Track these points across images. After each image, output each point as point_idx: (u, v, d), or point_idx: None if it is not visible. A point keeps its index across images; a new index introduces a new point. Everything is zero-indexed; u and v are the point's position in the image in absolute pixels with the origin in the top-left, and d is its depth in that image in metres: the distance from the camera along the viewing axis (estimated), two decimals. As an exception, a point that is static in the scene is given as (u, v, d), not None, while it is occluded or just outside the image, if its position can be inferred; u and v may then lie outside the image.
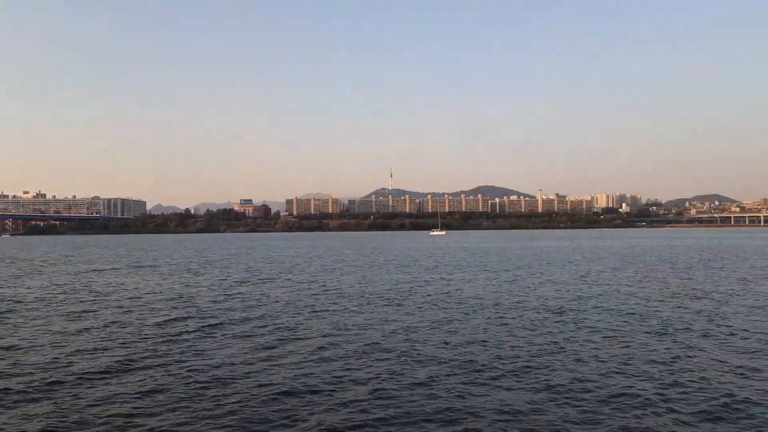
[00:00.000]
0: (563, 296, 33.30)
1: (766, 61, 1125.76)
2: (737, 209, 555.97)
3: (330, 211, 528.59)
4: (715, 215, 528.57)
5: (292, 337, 21.70)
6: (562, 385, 14.96)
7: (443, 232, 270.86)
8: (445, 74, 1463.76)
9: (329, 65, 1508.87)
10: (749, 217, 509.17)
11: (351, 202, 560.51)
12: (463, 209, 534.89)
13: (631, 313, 26.51)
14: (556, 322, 24.50)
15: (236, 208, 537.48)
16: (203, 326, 24.16)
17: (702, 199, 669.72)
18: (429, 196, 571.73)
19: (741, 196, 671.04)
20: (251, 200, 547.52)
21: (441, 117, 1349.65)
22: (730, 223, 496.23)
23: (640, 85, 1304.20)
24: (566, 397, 13.96)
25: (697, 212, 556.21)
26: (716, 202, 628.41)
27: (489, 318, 25.66)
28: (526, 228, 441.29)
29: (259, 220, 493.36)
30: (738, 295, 33.28)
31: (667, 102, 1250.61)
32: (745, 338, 20.59)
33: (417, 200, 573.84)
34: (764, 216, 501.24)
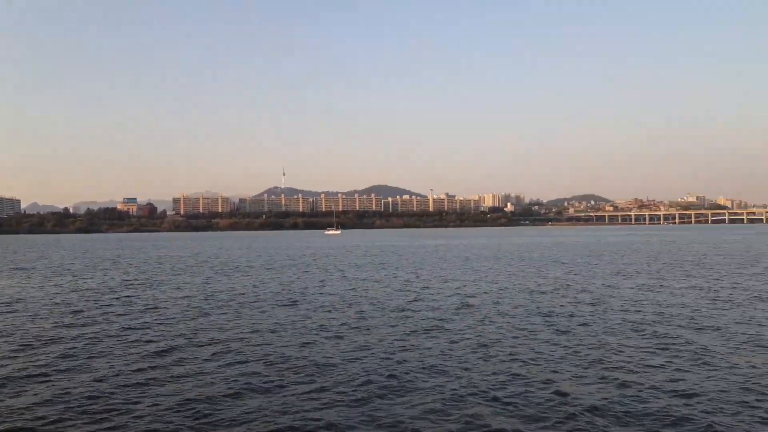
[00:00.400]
0: (461, 293, 34.10)
1: (613, 65, 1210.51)
2: (611, 208, 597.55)
3: (220, 210, 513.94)
4: (591, 214, 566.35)
5: (186, 343, 20.74)
6: (471, 380, 15.30)
7: (339, 231, 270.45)
8: (332, 68, 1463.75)
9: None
10: (621, 215, 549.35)
11: (242, 201, 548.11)
12: (357, 208, 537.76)
13: (527, 308, 27.59)
14: (457, 318, 25.02)
15: (119, 207, 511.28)
16: (88, 333, 22.73)
17: (579, 199, 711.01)
18: (323, 195, 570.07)
19: (614, 196, 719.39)
20: (135, 199, 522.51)
21: (333, 117, 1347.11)
22: (605, 221, 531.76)
23: (520, 87, 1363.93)
24: (476, 393, 14.28)
25: (575, 211, 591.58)
26: (592, 202, 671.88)
27: (389, 317, 25.81)
28: (418, 227, 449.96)
29: (144, 219, 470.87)
30: (618, 287, 35.44)
31: (548, 106, 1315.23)
32: (635, 330, 21.93)
33: (310, 199, 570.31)
34: (634, 215, 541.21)
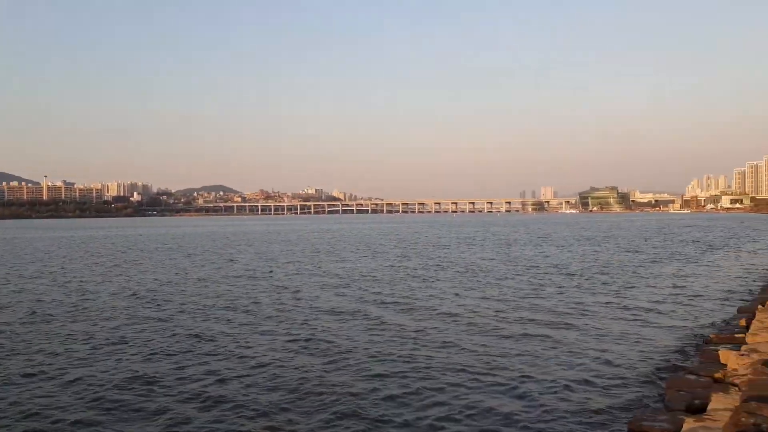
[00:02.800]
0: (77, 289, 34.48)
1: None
2: (239, 199, 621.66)
3: None
4: (221, 204, 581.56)
5: None
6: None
7: None
8: None
9: None
10: (249, 206, 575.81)
11: None
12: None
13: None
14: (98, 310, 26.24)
15: None
16: None
17: (209, 189, 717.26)
18: None
19: (242, 188, 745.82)
20: None
21: None
22: (234, 212, 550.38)
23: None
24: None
25: (205, 201, 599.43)
26: (221, 192, 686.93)
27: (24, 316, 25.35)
28: (30, 218, 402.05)
29: None
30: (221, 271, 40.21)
31: (177, 97, 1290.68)
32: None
33: None
34: (261, 205, 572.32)
